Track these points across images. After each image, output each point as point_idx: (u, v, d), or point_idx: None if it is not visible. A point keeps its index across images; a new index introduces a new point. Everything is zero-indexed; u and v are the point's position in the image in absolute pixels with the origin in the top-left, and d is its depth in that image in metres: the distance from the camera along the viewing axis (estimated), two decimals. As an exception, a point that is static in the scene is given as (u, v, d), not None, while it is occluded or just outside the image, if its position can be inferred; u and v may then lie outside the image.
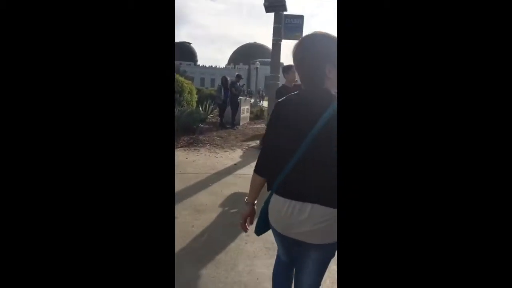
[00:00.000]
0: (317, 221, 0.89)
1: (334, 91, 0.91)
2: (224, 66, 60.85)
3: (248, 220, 1.11)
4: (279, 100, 1.01)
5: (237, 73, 8.47)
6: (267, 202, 1.02)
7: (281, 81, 4.14)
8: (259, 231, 1.10)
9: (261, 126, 8.03)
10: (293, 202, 0.91)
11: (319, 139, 0.86)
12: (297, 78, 4.24)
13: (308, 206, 0.89)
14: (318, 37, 0.93)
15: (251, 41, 69.60)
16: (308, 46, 0.93)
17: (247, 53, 62.20)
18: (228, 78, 7.87)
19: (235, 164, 4.29)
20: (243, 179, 3.67)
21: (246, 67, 53.89)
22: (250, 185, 1.07)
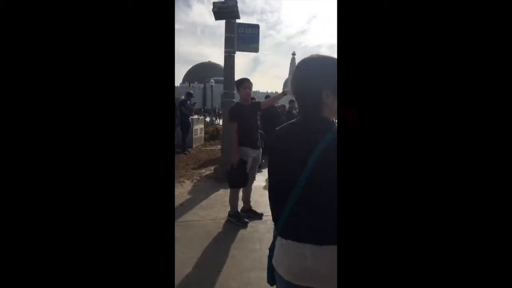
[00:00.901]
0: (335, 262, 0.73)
1: (334, 118, 0.85)
2: (178, 84, 59.48)
3: None
4: (276, 128, 0.95)
5: (189, 90, 7.60)
6: (272, 249, 0.91)
7: (237, 98, 3.37)
8: (272, 281, 0.93)
9: (217, 148, 7.17)
10: (304, 245, 0.80)
11: (314, 177, 0.77)
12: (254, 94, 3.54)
13: (323, 248, 0.78)
14: (314, 61, 0.86)
15: (206, 60, 69.52)
16: (303, 72, 0.86)
17: (202, 72, 61.66)
18: (182, 96, 6.98)
19: (180, 205, 3.33)
20: (188, 229, 2.73)
21: (202, 85, 53.36)
22: None
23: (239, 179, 2.83)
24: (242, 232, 2.76)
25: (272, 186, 0.90)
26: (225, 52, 4.76)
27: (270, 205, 0.90)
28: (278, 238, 0.86)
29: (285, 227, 0.84)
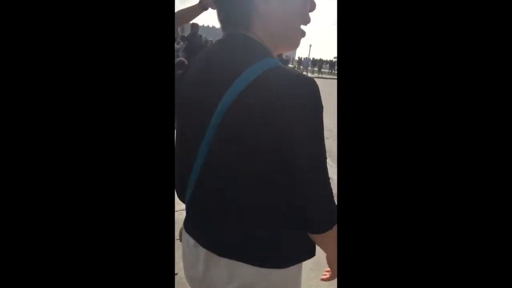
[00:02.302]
0: (224, 282, 0.57)
1: (276, 48, 0.57)
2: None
3: None
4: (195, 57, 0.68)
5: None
6: None
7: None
8: None
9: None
10: (197, 245, 0.60)
11: (222, 134, 0.51)
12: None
13: (214, 258, 0.57)
14: None
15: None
16: None
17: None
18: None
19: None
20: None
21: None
22: None
23: None
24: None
25: (179, 151, 0.61)
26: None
27: (176, 181, 0.63)
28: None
29: (187, 211, 0.64)
